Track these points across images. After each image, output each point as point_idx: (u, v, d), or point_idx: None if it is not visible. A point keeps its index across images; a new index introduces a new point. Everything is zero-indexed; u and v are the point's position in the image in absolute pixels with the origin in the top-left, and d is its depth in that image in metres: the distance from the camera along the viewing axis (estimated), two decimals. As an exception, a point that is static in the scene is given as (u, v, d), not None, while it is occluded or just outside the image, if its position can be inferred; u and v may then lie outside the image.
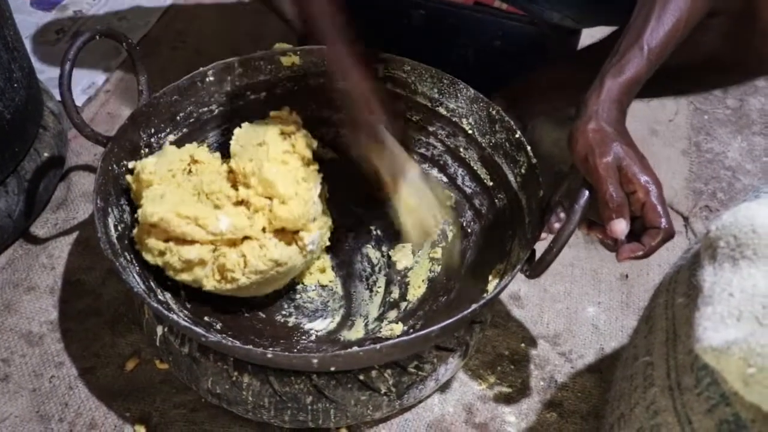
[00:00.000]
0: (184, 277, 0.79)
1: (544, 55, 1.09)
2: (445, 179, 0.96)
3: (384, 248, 0.97)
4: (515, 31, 1.08)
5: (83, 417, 0.83)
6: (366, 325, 0.89)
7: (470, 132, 0.91)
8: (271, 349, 0.80)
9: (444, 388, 0.87)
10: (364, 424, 0.83)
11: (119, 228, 0.80)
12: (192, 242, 0.78)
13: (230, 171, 0.84)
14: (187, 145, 0.87)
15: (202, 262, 0.78)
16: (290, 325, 0.88)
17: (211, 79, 0.91)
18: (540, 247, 0.73)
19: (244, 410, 0.77)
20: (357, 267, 0.96)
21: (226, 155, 0.89)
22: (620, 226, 0.65)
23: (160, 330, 0.80)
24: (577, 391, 0.88)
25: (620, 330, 0.95)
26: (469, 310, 0.68)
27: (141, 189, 0.80)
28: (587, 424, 0.85)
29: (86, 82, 1.26)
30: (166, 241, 0.78)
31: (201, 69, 0.90)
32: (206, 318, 0.83)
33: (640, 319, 0.68)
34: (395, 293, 0.92)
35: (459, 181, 0.94)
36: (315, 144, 0.87)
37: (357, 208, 1.00)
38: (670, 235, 0.65)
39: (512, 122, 0.86)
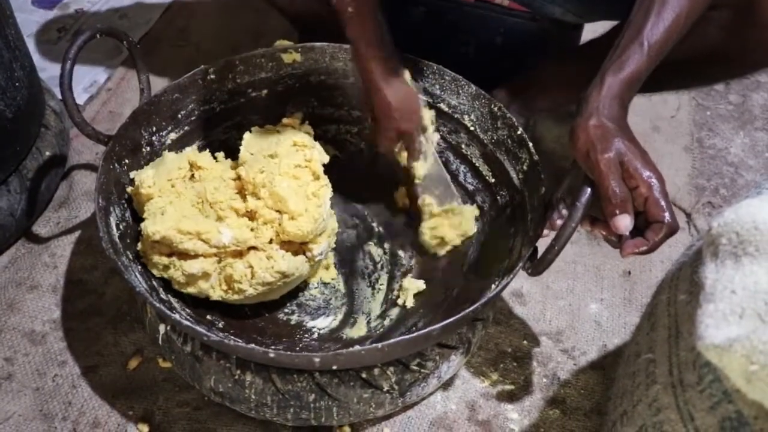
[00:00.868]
0: (190, 290, 0.80)
1: (545, 52, 1.08)
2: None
3: (386, 245, 0.97)
4: (517, 28, 1.08)
5: (86, 415, 0.83)
6: (368, 322, 0.89)
7: (472, 129, 0.91)
8: (273, 347, 0.80)
9: (447, 385, 0.87)
10: (366, 422, 0.83)
11: (121, 227, 0.80)
12: (195, 256, 0.78)
13: (237, 178, 0.83)
14: (187, 150, 0.87)
15: (206, 275, 0.78)
16: (293, 323, 0.88)
17: (213, 76, 0.91)
18: (542, 245, 0.73)
19: (246, 408, 0.77)
20: (359, 264, 0.96)
21: (228, 154, 0.90)
22: (624, 222, 0.65)
23: (162, 328, 0.80)
24: (580, 388, 0.88)
25: (623, 327, 0.95)
26: (471, 309, 0.68)
27: (142, 202, 0.80)
28: (590, 421, 0.85)
29: (88, 80, 1.26)
30: (170, 255, 0.78)
31: (202, 66, 0.90)
32: (208, 317, 0.83)
33: (643, 316, 0.68)
34: (397, 290, 0.92)
35: (461, 178, 0.94)
36: (327, 159, 0.86)
37: (359, 204, 1.00)
38: (673, 229, 0.65)
39: (514, 119, 0.85)
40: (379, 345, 0.65)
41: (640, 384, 0.59)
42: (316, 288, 0.92)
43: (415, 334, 0.67)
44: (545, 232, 0.74)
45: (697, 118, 1.28)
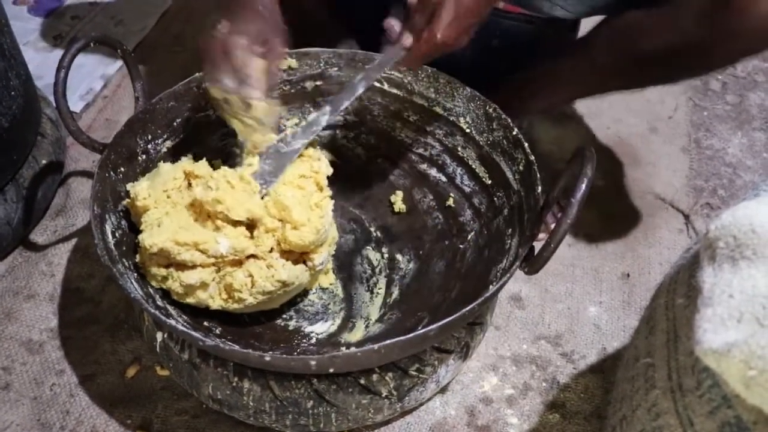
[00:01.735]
0: (189, 300, 0.79)
1: (542, 54, 1.08)
2: (444, 179, 0.96)
3: (384, 249, 0.97)
4: (513, 31, 1.08)
5: (84, 425, 0.82)
6: (367, 326, 0.88)
7: (468, 131, 0.91)
8: (270, 352, 0.80)
9: (445, 390, 0.87)
10: (365, 428, 0.83)
11: (117, 234, 0.80)
12: (193, 267, 0.77)
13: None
14: (183, 160, 0.86)
15: (204, 285, 0.78)
16: (290, 328, 0.88)
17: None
18: (539, 246, 0.72)
19: (245, 415, 0.77)
20: (357, 269, 0.96)
21: (226, 161, 0.89)
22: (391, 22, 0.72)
23: (160, 336, 0.79)
24: (580, 391, 0.88)
25: (622, 330, 0.95)
26: (467, 308, 0.67)
27: (139, 214, 0.80)
28: (590, 425, 0.84)
29: (84, 88, 1.25)
30: (168, 266, 0.78)
31: (197, 74, 0.89)
32: (205, 323, 0.83)
33: (641, 319, 0.68)
34: (396, 294, 0.92)
35: (458, 180, 0.94)
36: (331, 171, 0.85)
37: (356, 209, 1.00)
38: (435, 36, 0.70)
39: (509, 120, 0.85)
40: (376, 346, 0.65)
41: (639, 388, 0.59)
42: (314, 293, 0.92)
43: (412, 334, 0.67)
44: (541, 235, 0.74)
45: (694, 118, 1.28)
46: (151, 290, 0.80)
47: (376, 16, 1.09)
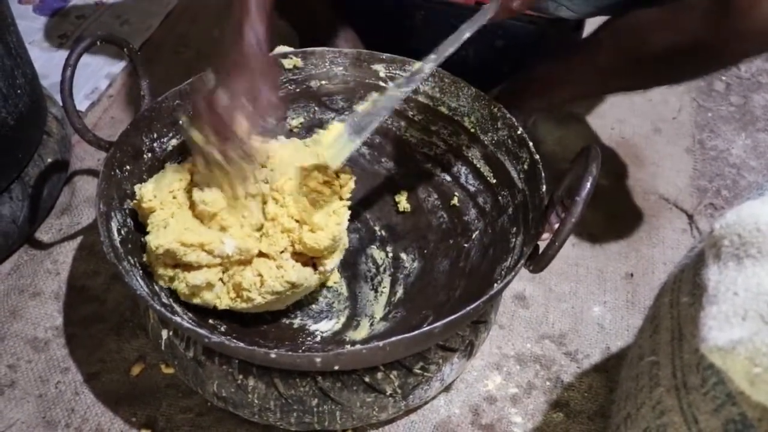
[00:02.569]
0: (196, 301, 0.79)
1: (545, 55, 1.08)
2: (448, 178, 0.96)
3: (388, 248, 0.97)
4: (516, 31, 1.08)
5: (89, 422, 0.83)
6: (371, 325, 0.89)
7: (472, 130, 0.91)
8: (275, 349, 0.80)
9: (450, 389, 0.87)
10: (369, 426, 0.83)
11: (122, 232, 0.80)
12: (199, 267, 0.78)
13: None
14: (189, 159, 0.86)
15: (210, 285, 0.78)
16: (295, 326, 0.88)
17: (214, 82, 0.90)
18: (543, 245, 0.73)
19: (250, 413, 0.77)
20: (362, 268, 0.96)
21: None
22: None
23: (165, 334, 0.80)
24: (584, 390, 0.88)
25: (626, 329, 0.95)
26: (472, 306, 0.68)
27: (145, 215, 0.80)
28: (594, 424, 0.84)
29: (90, 86, 1.26)
30: (175, 267, 0.78)
31: (203, 73, 0.90)
32: (210, 321, 0.83)
33: (645, 318, 0.68)
34: (400, 293, 0.92)
35: (462, 180, 0.94)
36: (353, 187, 0.85)
37: (361, 208, 1.00)
38: None
39: (514, 119, 0.85)
40: (381, 344, 0.65)
41: (643, 387, 0.59)
42: (319, 292, 0.92)
43: (416, 332, 0.67)
44: (545, 235, 0.74)
45: (698, 119, 1.28)
46: (156, 288, 0.80)
47: (380, 17, 1.09)
